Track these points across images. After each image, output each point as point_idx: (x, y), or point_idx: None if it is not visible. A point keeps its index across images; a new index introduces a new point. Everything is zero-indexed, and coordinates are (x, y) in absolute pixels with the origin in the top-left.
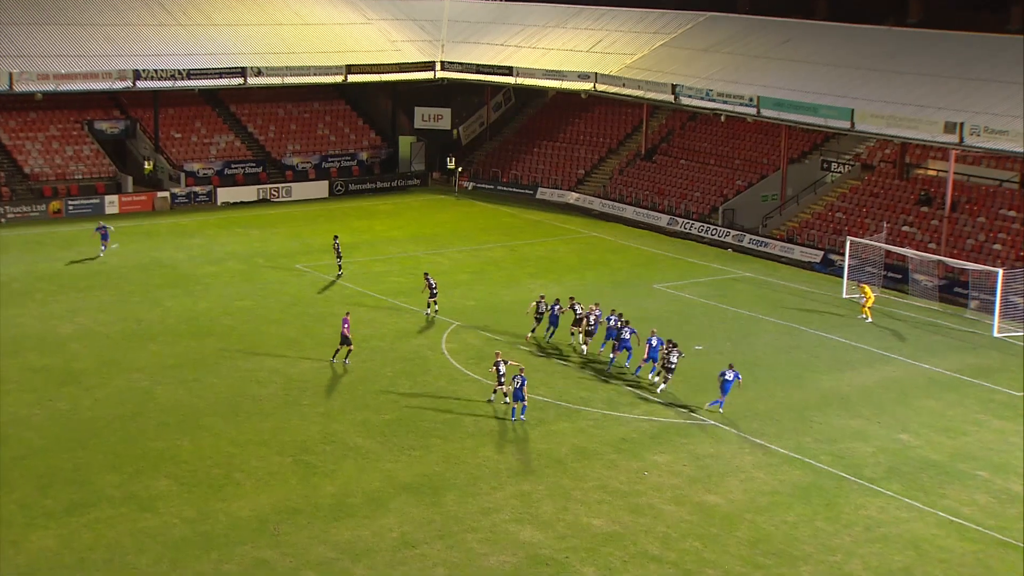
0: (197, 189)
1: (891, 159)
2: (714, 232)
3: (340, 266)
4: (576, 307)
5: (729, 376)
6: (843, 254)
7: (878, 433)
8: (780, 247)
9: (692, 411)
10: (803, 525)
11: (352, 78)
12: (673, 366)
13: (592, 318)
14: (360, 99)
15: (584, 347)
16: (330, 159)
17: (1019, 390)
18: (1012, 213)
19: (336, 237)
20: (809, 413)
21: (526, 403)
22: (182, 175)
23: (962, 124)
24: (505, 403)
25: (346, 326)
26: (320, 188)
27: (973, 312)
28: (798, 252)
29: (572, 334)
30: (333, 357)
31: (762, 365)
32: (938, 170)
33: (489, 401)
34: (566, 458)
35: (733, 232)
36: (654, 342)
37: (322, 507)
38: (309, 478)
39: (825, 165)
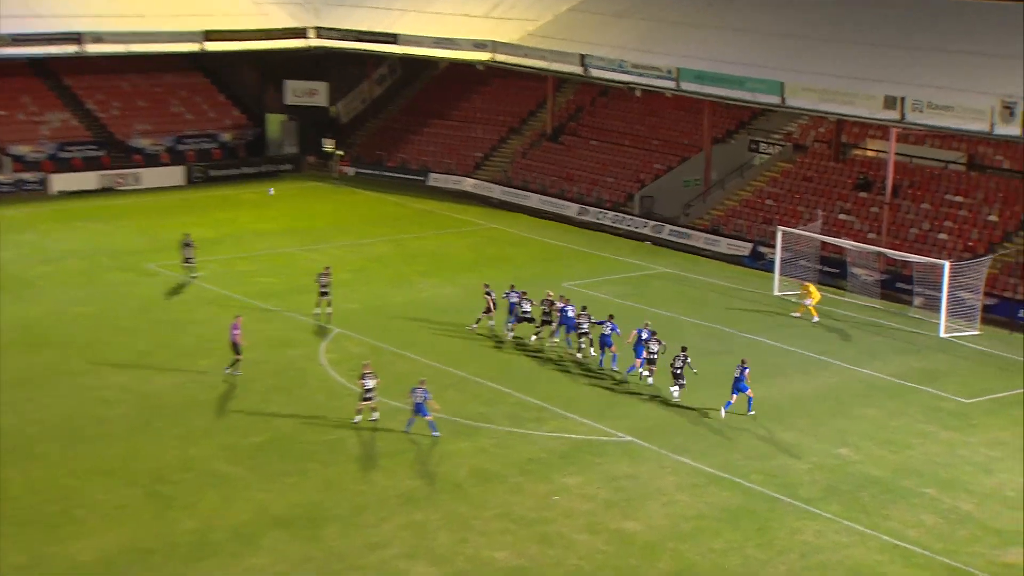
0: (26, 176)
1: (826, 138)
2: (630, 223)
3: (191, 265)
4: (511, 295)
5: (737, 372)
6: (774, 246)
7: (814, 448)
8: (704, 239)
9: (706, 414)
10: (732, 553)
11: (211, 46)
12: (655, 357)
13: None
14: (221, 71)
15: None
16: (186, 141)
17: (968, 396)
18: (959, 199)
19: (187, 235)
20: (737, 426)
21: (431, 418)
22: (7, 160)
23: (903, 99)
24: (372, 420)
25: (236, 332)
26: (175, 175)
27: (917, 310)
28: (724, 244)
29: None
30: (229, 367)
31: (684, 373)
32: (877, 151)
33: (354, 423)
34: (464, 482)
35: (651, 222)
36: (645, 335)
37: (180, 546)
38: (165, 512)
39: (753, 146)
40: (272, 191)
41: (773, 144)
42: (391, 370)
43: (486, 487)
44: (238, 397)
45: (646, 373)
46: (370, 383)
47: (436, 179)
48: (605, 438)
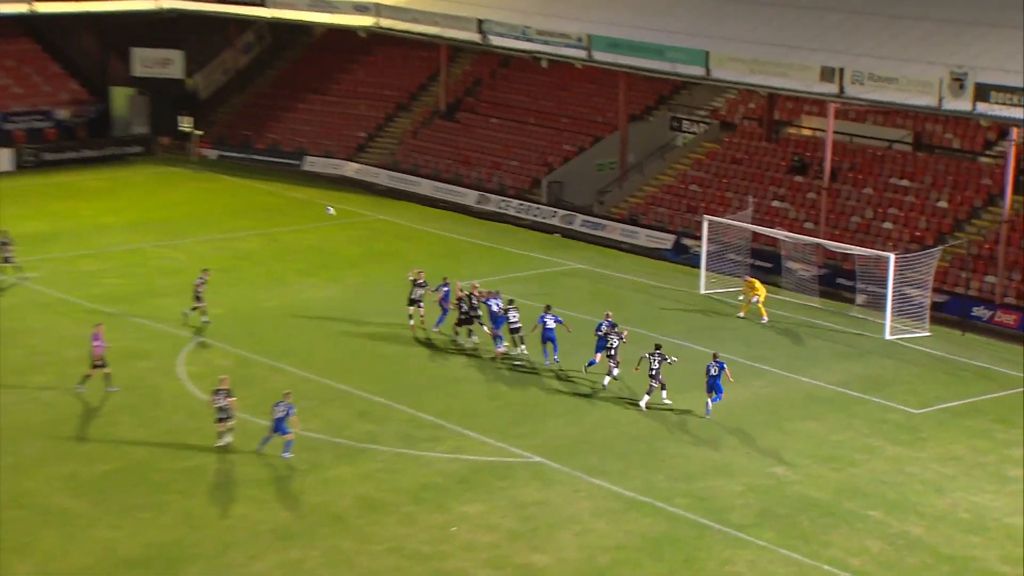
0: None
1: (756, 115)
2: (536, 212)
3: (12, 265)
4: (443, 288)
5: (714, 371)
6: (699, 238)
7: (747, 467)
8: (621, 230)
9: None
10: None
11: (42, 7)
12: (615, 352)
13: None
14: (56, 37)
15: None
16: (14, 119)
17: (917, 406)
18: (905, 182)
19: (4, 232)
20: (661, 444)
21: (291, 437)
22: None
23: (842, 70)
24: (223, 444)
25: (97, 343)
26: (1, 158)
27: (860, 309)
28: (643, 236)
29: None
30: (81, 384)
31: (586, 383)
32: (814, 129)
33: (218, 447)
34: (348, 513)
35: (561, 212)
36: (604, 326)
37: None
38: None
39: (675, 124)
40: (332, 210)
41: (697, 122)
42: (264, 385)
43: (373, 518)
44: (80, 418)
45: (615, 373)
46: (221, 402)
47: (313, 163)
48: (511, 459)
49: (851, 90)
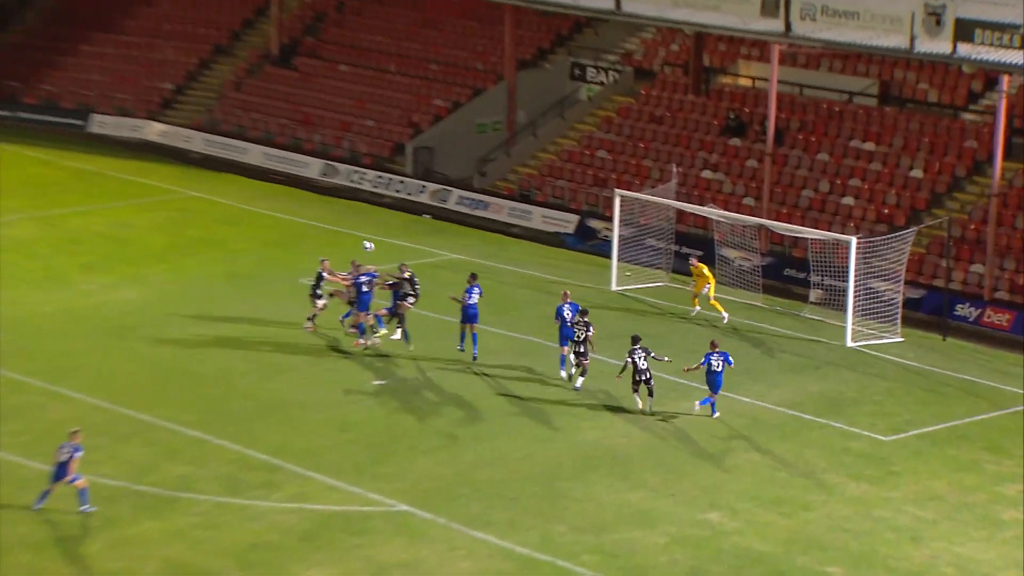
0: None
1: (681, 61)
2: (399, 187)
3: None
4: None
5: (716, 363)
6: (610, 219)
7: (672, 512)
8: (509, 210)
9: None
10: None
11: None
12: (583, 347)
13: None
14: None
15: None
16: None
17: (887, 432)
18: (869, 146)
19: None
20: (563, 484)
21: (84, 484)
22: None
23: (788, 3)
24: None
25: None
26: None
27: (815, 308)
28: (538, 218)
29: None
30: None
31: (467, 407)
32: (754, 78)
33: None
34: None
35: (431, 187)
36: (568, 312)
37: None
38: None
39: (577, 72)
40: (370, 246)
41: (606, 70)
42: (39, 417)
43: None
44: None
45: (575, 371)
46: None
47: (103, 123)
48: (368, 508)
49: (800, 28)
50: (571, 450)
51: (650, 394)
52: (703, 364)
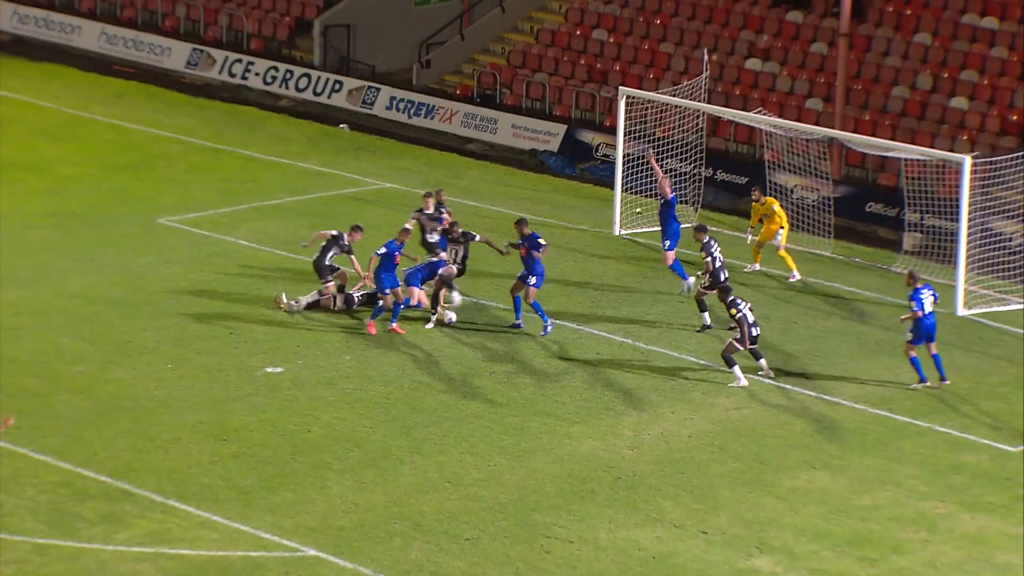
0: None
1: None
2: (302, 84)
3: None
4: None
5: (927, 300)
6: (612, 130)
7: (704, 558)
8: (464, 117)
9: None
10: None
11: None
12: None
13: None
14: None
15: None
16: None
17: (1016, 441)
18: (989, 22)
19: None
20: (542, 517)
21: None
22: None
23: None
24: None
25: None
26: None
27: (909, 260)
28: (506, 129)
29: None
30: None
31: (403, 404)
32: None
33: None
34: None
35: (351, 83)
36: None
37: None
38: None
39: None
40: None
41: None
42: None
43: None
44: None
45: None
46: None
47: None
48: (259, 552)
49: None
50: (554, 467)
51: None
52: (916, 307)
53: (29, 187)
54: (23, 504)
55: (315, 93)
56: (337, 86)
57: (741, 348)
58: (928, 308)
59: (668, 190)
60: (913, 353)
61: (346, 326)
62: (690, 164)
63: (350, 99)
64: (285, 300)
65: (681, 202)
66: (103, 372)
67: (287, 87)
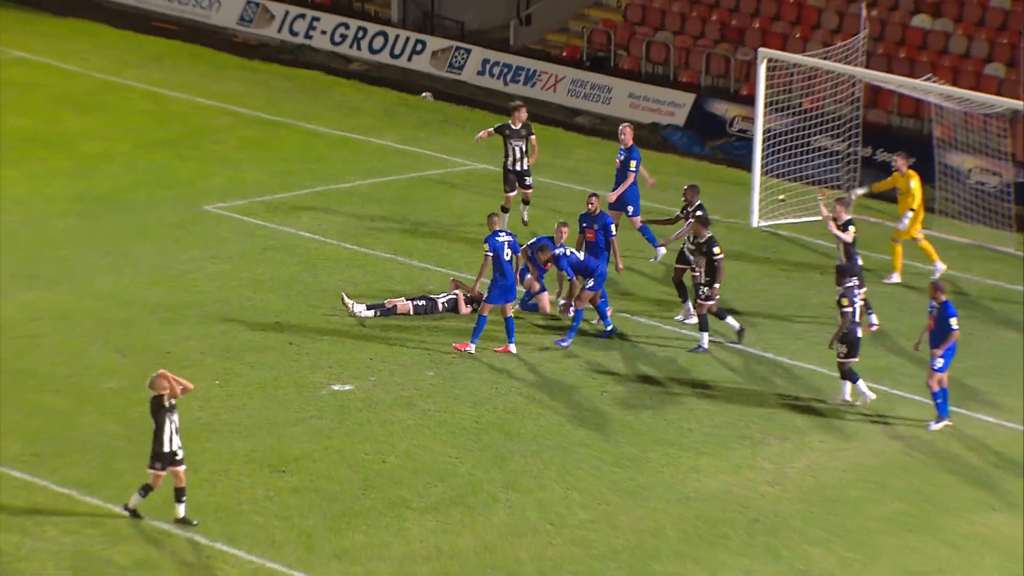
0: None
1: None
2: (377, 45)
3: None
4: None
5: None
6: (750, 100)
7: None
8: (572, 85)
9: None
10: None
11: None
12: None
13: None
14: None
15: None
16: None
17: None
18: None
19: None
20: (663, 567)
21: None
22: None
23: None
24: None
25: None
26: None
27: None
28: (622, 98)
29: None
30: None
31: (497, 428)
32: None
33: None
34: None
35: (433, 44)
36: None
37: None
38: None
39: None
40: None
41: None
42: None
43: None
44: None
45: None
46: None
47: None
48: None
49: None
50: (678, 507)
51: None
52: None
53: (51, 167)
54: (43, 547)
55: (392, 55)
56: (419, 47)
57: (844, 357)
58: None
59: (630, 139)
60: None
61: (428, 336)
62: (844, 142)
63: (434, 62)
64: (351, 305)
65: (833, 187)
66: (138, 390)
67: (359, 48)
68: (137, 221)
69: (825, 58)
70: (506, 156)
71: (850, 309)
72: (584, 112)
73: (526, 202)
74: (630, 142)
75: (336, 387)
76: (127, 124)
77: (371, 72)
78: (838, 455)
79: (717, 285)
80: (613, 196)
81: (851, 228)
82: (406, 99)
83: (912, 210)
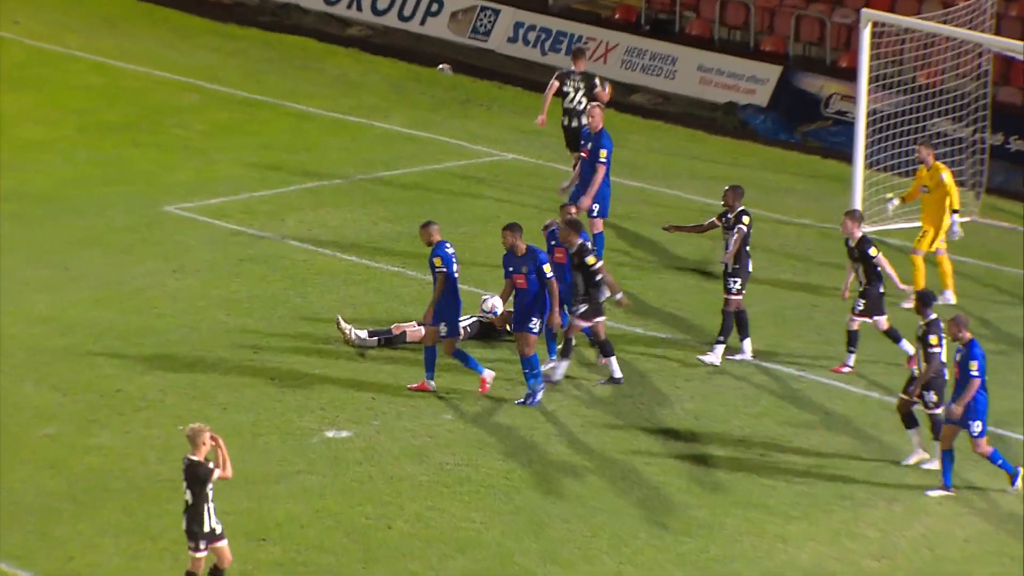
0: None
1: None
2: (383, 5)
3: None
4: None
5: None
6: (850, 75)
7: None
8: (626, 55)
9: None
10: None
11: None
12: None
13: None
14: None
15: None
16: None
17: None
18: None
19: None
20: None
21: None
22: None
23: None
24: None
25: None
26: None
27: None
28: (689, 73)
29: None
30: None
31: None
32: None
33: None
34: None
35: (453, 2)
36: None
37: None
38: None
39: None
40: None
41: None
42: None
43: None
44: None
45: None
46: None
47: None
48: None
49: None
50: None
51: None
52: (978, 369)
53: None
54: None
55: (401, 17)
56: (435, 7)
57: (934, 406)
58: (973, 372)
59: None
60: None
61: (444, 371)
62: (968, 127)
63: (454, 26)
64: (349, 331)
65: (957, 183)
66: (83, 436)
67: (359, 8)
68: (82, 225)
69: (945, 22)
70: (563, 113)
71: (939, 349)
72: (642, 89)
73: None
74: (599, 125)
75: (330, 434)
76: (70, 104)
77: (374, 39)
78: (960, 521)
79: (604, 297)
80: (587, 201)
81: (871, 249)
82: (418, 72)
83: (956, 211)
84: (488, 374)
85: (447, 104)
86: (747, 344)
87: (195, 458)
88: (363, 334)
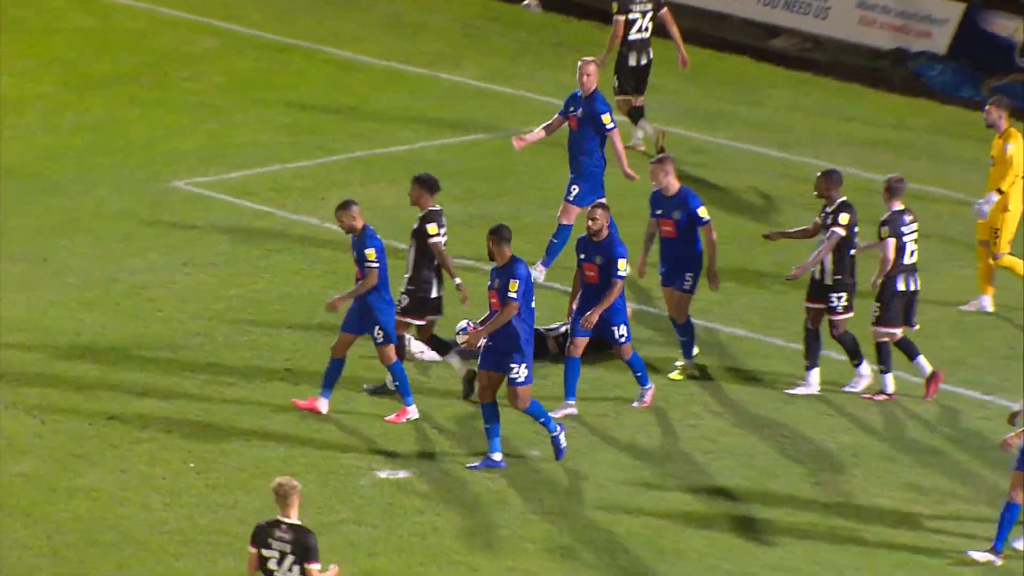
0: None
1: None
2: None
3: None
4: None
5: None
6: None
7: None
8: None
9: None
10: None
11: None
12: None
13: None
14: None
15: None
16: None
17: None
18: None
19: None
20: None
21: None
22: None
23: None
24: None
25: None
26: None
27: None
28: (844, 13)
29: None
30: None
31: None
32: None
33: None
34: None
35: None
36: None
37: None
38: None
39: None
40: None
41: None
42: None
43: None
44: None
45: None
46: None
47: None
48: None
49: None
50: None
51: None
52: None
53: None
54: None
55: None
56: None
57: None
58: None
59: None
60: None
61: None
62: None
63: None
64: (409, 342)
65: None
66: (66, 476)
67: None
68: (66, 206)
69: None
70: (625, 47)
71: None
72: (786, 31)
73: (639, 115)
74: (593, 86)
75: (383, 474)
76: (51, 52)
77: None
78: None
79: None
80: (628, 171)
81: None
82: (497, 9)
83: (1000, 191)
84: (412, 409)
85: (533, 49)
86: (864, 370)
87: (298, 522)
88: (424, 347)
